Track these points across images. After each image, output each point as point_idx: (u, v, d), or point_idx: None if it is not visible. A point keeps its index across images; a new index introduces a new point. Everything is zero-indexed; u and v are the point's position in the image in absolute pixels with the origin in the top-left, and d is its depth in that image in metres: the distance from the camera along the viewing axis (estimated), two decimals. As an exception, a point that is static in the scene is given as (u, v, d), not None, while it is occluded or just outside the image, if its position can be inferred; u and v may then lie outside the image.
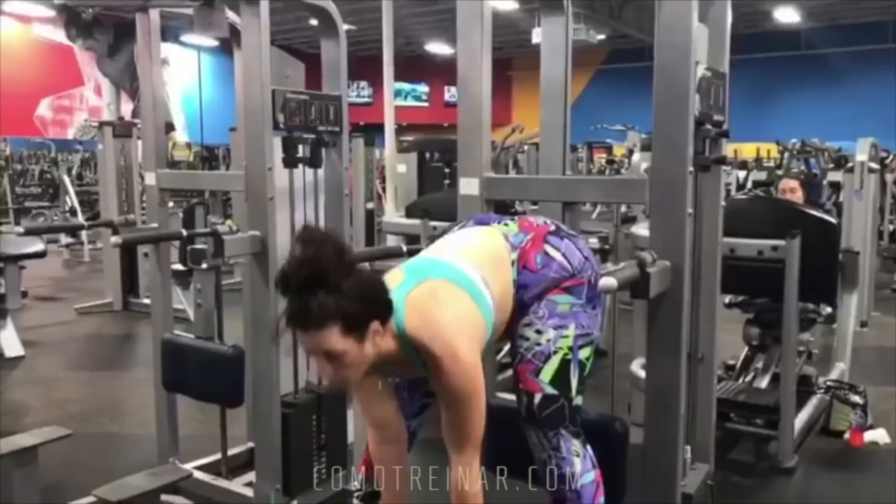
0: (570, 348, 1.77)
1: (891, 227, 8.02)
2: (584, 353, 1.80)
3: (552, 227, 1.86)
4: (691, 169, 1.75)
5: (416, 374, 1.77)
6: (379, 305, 1.61)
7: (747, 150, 16.16)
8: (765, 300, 3.53)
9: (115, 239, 2.60)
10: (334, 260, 1.55)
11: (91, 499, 2.52)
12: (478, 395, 1.67)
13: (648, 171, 1.80)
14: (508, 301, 1.79)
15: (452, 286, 1.68)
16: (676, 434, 1.81)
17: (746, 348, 3.72)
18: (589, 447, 1.82)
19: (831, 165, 8.54)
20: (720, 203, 2.07)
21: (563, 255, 1.80)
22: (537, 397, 1.77)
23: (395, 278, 1.72)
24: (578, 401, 1.81)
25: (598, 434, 1.92)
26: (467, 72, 2.08)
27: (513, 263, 1.80)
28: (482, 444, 1.73)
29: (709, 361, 2.12)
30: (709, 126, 1.88)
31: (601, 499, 1.83)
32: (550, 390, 1.77)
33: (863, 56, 17.93)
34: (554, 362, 1.76)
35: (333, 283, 1.53)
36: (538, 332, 1.77)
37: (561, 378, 1.77)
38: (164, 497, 2.30)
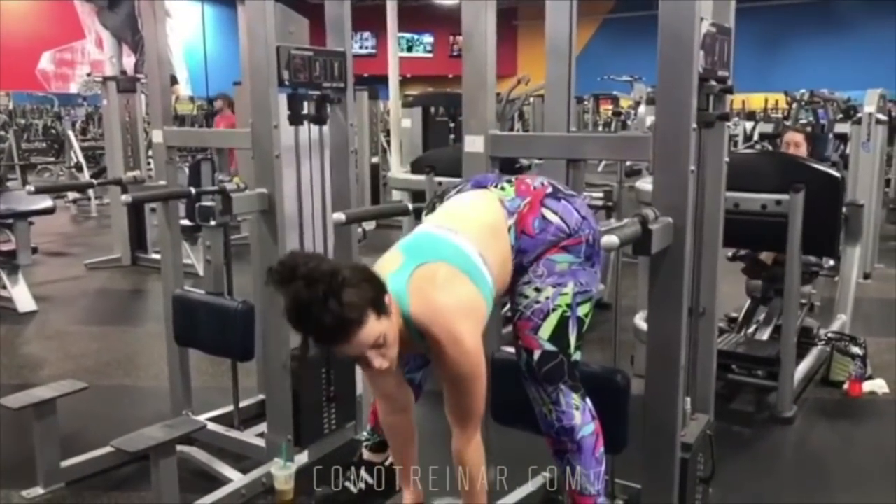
0: (569, 305, 1.81)
1: (898, 179, 7.98)
2: (582, 310, 1.84)
3: (549, 189, 1.87)
4: (695, 126, 1.76)
5: (420, 353, 1.86)
6: (377, 280, 1.65)
7: (755, 101, 15.98)
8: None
9: (124, 198, 2.63)
10: (323, 266, 1.58)
11: (109, 449, 2.61)
12: (478, 378, 1.75)
13: (652, 128, 1.81)
14: (507, 269, 1.83)
15: (452, 269, 1.71)
16: (676, 386, 1.86)
17: (749, 301, 3.77)
18: (588, 400, 1.88)
19: (840, 116, 8.47)
20: (724, 159, 2.08)
21: (561, 217, 1.83)
22: (536, 354, 1.82)
23: (394, 261, 1.76)
24: (577, 356, 1.85)
25: (600, 386, 1.97)
26: (472, 28, 2.07)
27: (510, 229, 1.83)
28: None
29: (710, 315, 2.15)
30: (713, 82, 1.88)
31: (601, 449, 1.89)
32: (549, 347, 1.81)
33: (874, 4, 17.58)
34: (552, 319, 1.80)
35: (342, 282, 1.55)
36: (537, 290, 1.81)
37: (559, 335, 1.81)
38: (179, 448, 2.37)
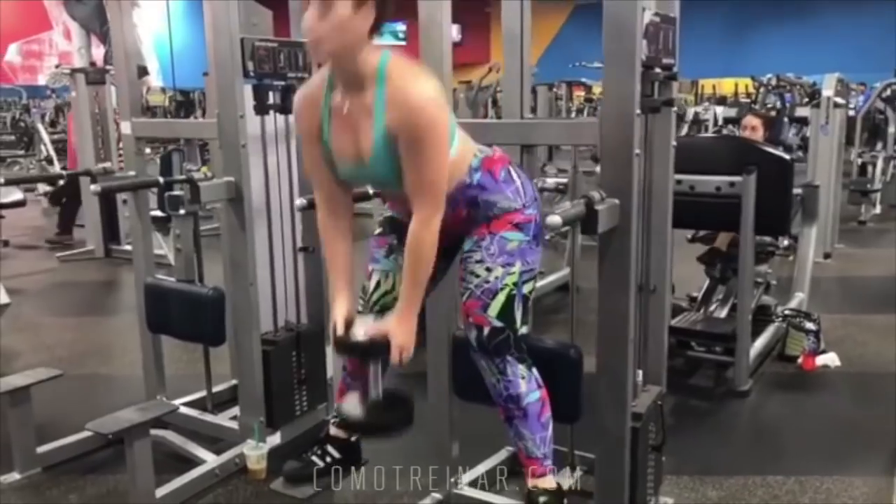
0: (516, 284, 1.92)
1: (859, 161, 8.18)
2: (527, 288, 1.96)
3: (513, 161, 2.01)
4: (639, 111, 1.85)
5: (366, 141, 1.81)
6: None
7: (726, 86, 16.18)
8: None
9: (94, 187, 2.68)
10: None
11: (85, 434, 2.67)
12: (439, 138, 1.73)
13: (598, 114, 1.90)
14: (463, 168, 1.90)
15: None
16: (626, 358, 1.96)
17: (708, 280, 3.89)
18: (534, 370, 1.99)
19: (806, 100, 8.66)
20: (671, 143, 2.17)
21: (521, 183, 1.95)
22: (486, 330, 1.93)
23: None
24: (524, 330, 1.97)
25: (555, 360, 2.08)
26: (429, 18, 2.12)
27: (475, 156, 1.93)
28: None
29: (660, 292, 2.25)
30: (658, 70, 1.97)
31: (547, 414, 2.00)
32: (497, 323, 1.92)
33: (841, -11, 17.83)
34: (500, 298, 1.91)
35: None
36: (488, 269, 1.91)
37: (507, 312, 1.92)
38: (153, 431, 2.42)
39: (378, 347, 1.85)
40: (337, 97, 1.85)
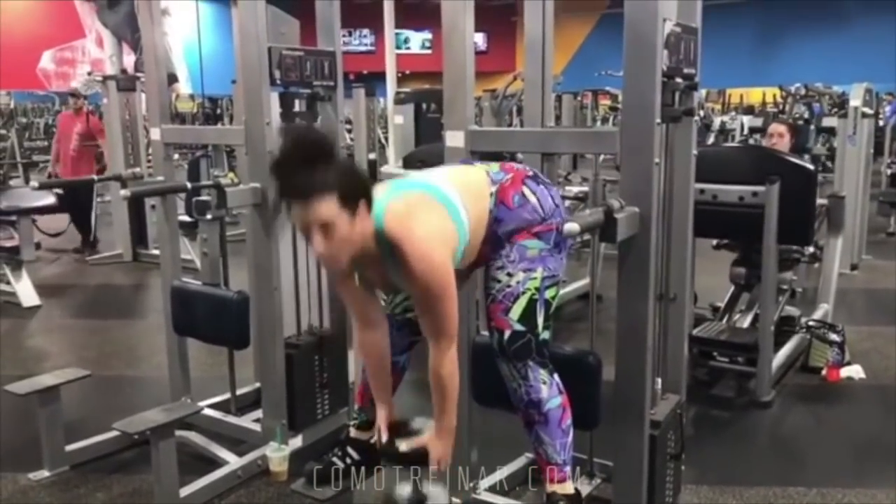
0: (538, 289, 1.94)
1: (889, 172, 8.06)
2: (549, 293, 1.97)
3: (530, 173, 2.02)
4: (659, 121, 1.86)
5: (392, 278, 1.91)
6: (365, 187, 1.76)
7: (755, 95, 16.06)
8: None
9: (123, 192, 2.74)
10: (324, 138, 1.72)
11: (112, 433, 2.72)
12: (447, 292, 1.81)
13: (618, 123, 1.91)
14: (482, 228, 1.95)
15: (432, 199, 1.85)
16: (644, 366, 1.96)
17: (733, 288, 3.87)
18: (556, 375, 2.00)
19: (834, 110, 8.56)
20: (692, 152, 2.18)
21: (538, 199, 1.97)
22: (507, 333, 1.95)
23: (381, 188, 1.88)
24: (545, 335, 1.98)
25: (574, 367, 2.09)
26: (451, 27, 2.15)
27: (491, 195, 1.96)
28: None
29: (681, 300, 2.25)
30: (678, 80, 1.98)
31: (568, 421, 2.01)
32: (518, 327, 1.94)
33: (872, -3, 17.62)
34: (522, 302, 1.93)
35: (329, 157, 1.68)
36: (509, 274, 1.94)
37: (528, 316, 1.94)
38: (178, 432, 2.47)
39: (418, 458, 2.00)
40: None
